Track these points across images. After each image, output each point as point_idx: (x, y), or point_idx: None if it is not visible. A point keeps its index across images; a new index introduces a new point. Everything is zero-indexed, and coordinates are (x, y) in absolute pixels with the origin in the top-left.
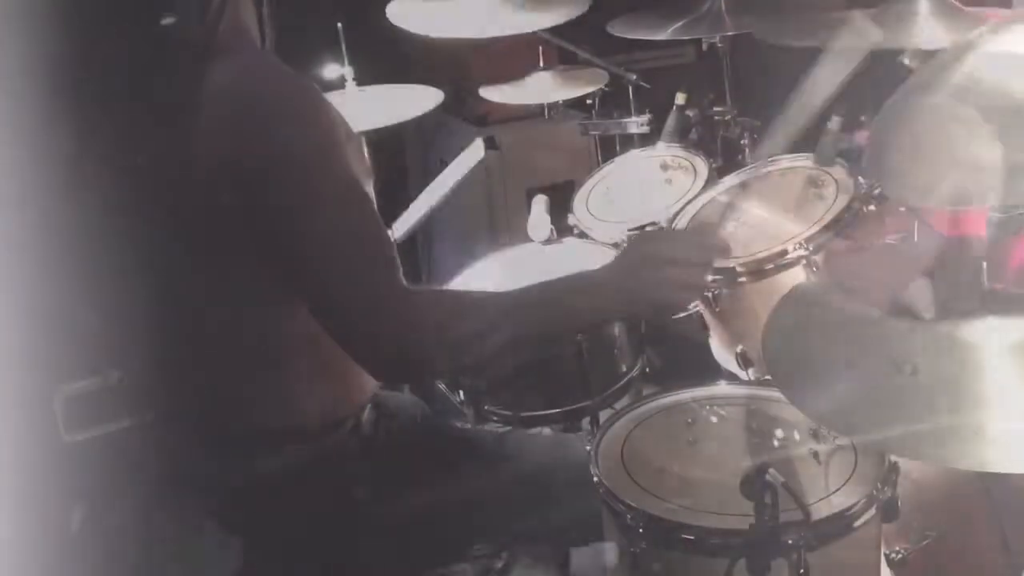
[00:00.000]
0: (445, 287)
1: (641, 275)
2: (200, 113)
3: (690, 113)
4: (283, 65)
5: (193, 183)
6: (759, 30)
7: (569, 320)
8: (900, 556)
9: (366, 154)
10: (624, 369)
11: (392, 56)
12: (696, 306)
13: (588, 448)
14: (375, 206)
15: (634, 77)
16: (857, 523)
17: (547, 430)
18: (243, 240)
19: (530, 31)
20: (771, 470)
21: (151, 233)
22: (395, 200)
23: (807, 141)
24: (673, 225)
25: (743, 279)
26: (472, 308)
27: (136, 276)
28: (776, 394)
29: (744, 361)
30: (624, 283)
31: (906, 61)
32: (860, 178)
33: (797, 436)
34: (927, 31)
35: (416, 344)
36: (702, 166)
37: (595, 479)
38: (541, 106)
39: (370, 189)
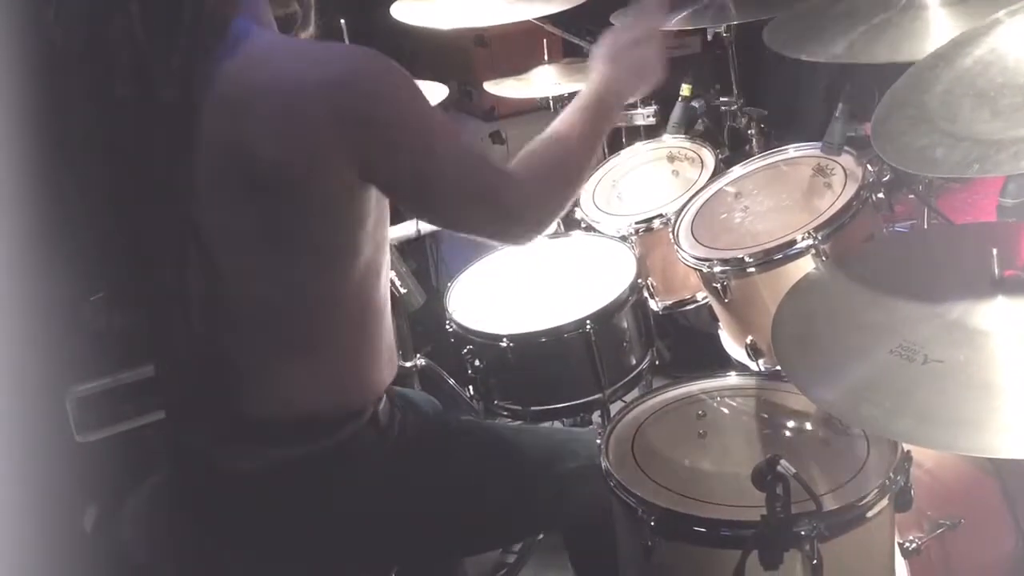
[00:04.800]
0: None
1: (625, 66)
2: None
3: (696, 104)
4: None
5: (257, 170)
6: (768, 36)
7: (606, 122)
8: (914, 546)
9: None
10: (634, 362)
11: (396, 52)
12: (705, 297)
13: (599, 441)
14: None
15: None
16: (870, 513)
17: (558, 424)
18: (290, 226)
19: (532, 18)
20: (782, 461)
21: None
22: None
23: (815, 130)
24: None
25: (752, 270)
26: (548, 155)
27: (155, 277)
28: (787, 384)
29: (754, 352)
30: (617, 80)
31: None
32: (868, 166)
33: (808, 426)
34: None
35: (531, 207)
36: (709, 157)
37: (606, 472)
38: (547, 99)
39: None
